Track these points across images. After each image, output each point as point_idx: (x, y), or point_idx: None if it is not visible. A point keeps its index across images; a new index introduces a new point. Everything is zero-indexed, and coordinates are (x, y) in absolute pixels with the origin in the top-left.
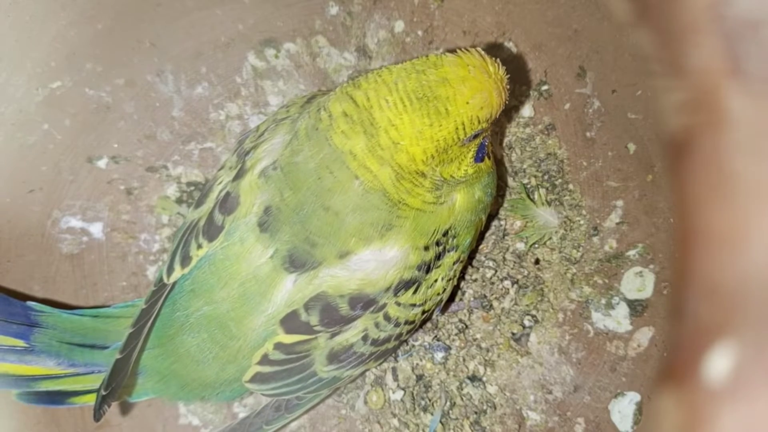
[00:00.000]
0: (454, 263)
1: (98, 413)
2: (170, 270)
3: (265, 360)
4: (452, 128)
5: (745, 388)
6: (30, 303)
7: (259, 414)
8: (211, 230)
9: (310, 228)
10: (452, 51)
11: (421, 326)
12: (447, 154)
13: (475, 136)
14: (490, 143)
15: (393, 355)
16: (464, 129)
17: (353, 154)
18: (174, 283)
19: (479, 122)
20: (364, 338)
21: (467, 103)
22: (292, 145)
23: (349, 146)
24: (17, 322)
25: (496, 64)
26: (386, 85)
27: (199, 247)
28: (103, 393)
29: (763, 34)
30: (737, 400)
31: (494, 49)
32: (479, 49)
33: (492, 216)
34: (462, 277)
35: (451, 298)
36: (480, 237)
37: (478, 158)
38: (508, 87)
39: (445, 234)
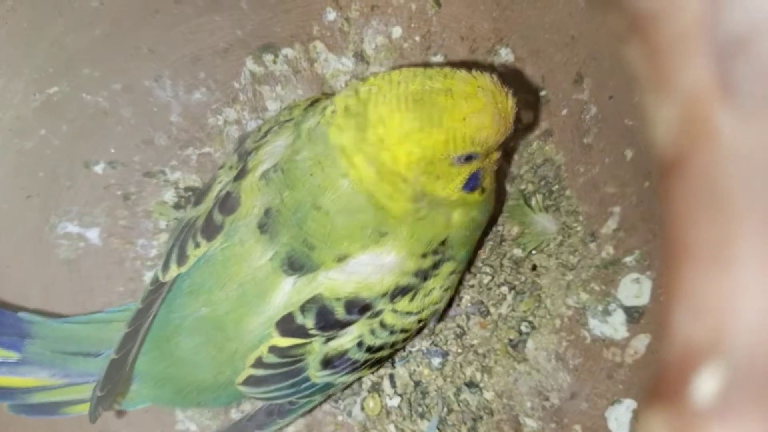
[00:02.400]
0: (450, 273)
1: (94, 414)
2: (166, 268)
3: (259, 363)
4: (442, 139)
5: (733, 411)
6: (21, 314)
7: (251, 418)
8: (210, 230)
9: (306, 230)
10: (464, 65)
11: (416, 335)
12: (434, 167)
13: (468, 159)
14: (488, 176)
15: (390, 361)
16: (455, 145)
17: (343, 148)
18: (171, 285)
19: (473, 144)
20: (359, 345)
21: (464, 119)
22: (294, 145)
23: (341, 140)
24: (9, 333)
25: (508, 94)
26: (390, 83)
27: (197, 246)
28: (99, 394)
29: (753, 50)
30: (726, 423)
31: (491, 55)
32: (495, 75)
33: (490, 222)
34: (459, 283)
35: (449, 304)
36: (477, 244)
37: (468, 187)
38: (513, 120)
39: (443, 244)
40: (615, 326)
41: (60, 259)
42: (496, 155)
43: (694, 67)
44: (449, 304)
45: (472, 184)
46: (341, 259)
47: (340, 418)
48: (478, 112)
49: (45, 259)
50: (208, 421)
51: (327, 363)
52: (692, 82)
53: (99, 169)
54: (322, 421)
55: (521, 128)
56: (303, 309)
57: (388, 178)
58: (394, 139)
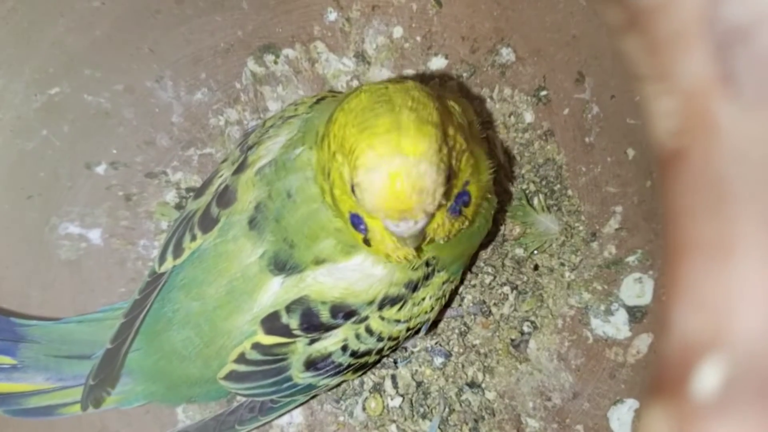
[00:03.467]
0: (443, 283)
1: (85, 403)
2: (162, 260)
3: (241, 359)
4: (349, 140)
5: (734, 406)
6: (13, 318)
7: (232, 412)
8: (206, 222)
9: (284, 224)
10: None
11: (404, 342)
12: (335, 173)
13: (352, 191)
14: (387, 241)
15: (393, 361)
16: (342, 159)
17: (317, 132)
18: (167, 277)
19: (351, 174)
20: (344, 348)
21: (353, 149)
22: (294, 135)
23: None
24: (2, 338)
25: (420, 178)
26: (385, 86)
27: (194, 239)
28: (92, 383)
29: (753, 42)
30: (726, 418)
31: (492, 55)
32: (441, 151)
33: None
34: (461, 283)
35: (448, 304)
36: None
37: (354, 226)
38: (414, 206)
39: (433, 258)
40: (617, 326)
41: (61, 260)
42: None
43: (694, 59)
44: (449, 302)
45: (357, 226)
46: (318, 262)
47: (341, 418)
48: (375, 158)
49: (46, 260)
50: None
51: (310, 364)
52: (692, 74)
53: (100, 169)
54: (323, 421)
55: (522, 129)
56: (288, 309)
57: (321, 159)
58: (338, 119)
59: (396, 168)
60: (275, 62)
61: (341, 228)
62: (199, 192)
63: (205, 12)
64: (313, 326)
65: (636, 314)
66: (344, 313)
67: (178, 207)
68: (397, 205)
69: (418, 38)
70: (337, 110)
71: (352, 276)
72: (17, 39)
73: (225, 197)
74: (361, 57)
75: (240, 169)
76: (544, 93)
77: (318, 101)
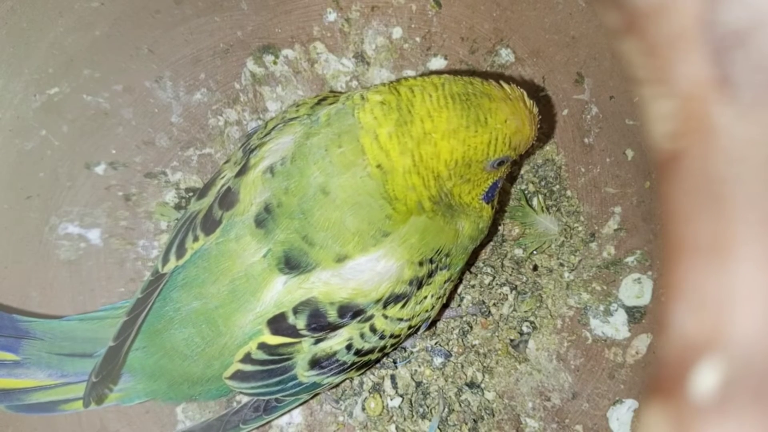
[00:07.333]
0: (444, 282)
1: (87, 399)
2: (165, 260)
3: (247, 358)
4: (485, 140)
5: (732, 406)
6: (16, 315)
7: (237, 412)
8: (209, 224)
9: (311, 221)
10: (474, 75)
11: (405, 339)
12: (469, 170)
13: (500, 164)
14: (500, 190)
15: (392, 361)
16: (495, 147)
17: (375, 135)
18: (168, 278)
19: (509, 147)
20: (348, 347)
21: (505, 121)
22: (308, 131)
23: (374, 126)
24: (5, 335)
25: (533, 103)
26: (432, 84)
27: (196, 239)
28: (94, 380)
29: (750, 44)
30: (725, 418)
31: (492, 56)
32: (520, 87)
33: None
34: (460, 282)
35: (447, 304)
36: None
37: (487, 197)
38: (538, 127)
39: (447, 255)
40: (616, 326)
41: (60, 260)
42: (508, 167)
43: (692, 62)
44: (447, 302)
45: (491, 194)
46: (340, 259)
47: (341, 418)
48: (515, 115)
49: (45, 260)
50: None
51: (315, 363)
52: (690, 77)
53: (100, 169)
54: (323, 422)
55: None
56: (296, 310)
57: (422, 172)
58: (440, 134)
59: (521, 102)
60: (274, 63)
61: (391, 214)
62: (201, 192)
63: (205, 12)
64: (320, 326)
65: (635, 315)
66: (352, 312)
67: (178, 207)
68: (535, 119)
69: (418, 39)
70: (425, 144)
71: (362, 276)
72: (16, 39)
73: (227, 199)
74: (360, 57)
75: (242, 171)
76: (543, 94)
77: (319, 102)
